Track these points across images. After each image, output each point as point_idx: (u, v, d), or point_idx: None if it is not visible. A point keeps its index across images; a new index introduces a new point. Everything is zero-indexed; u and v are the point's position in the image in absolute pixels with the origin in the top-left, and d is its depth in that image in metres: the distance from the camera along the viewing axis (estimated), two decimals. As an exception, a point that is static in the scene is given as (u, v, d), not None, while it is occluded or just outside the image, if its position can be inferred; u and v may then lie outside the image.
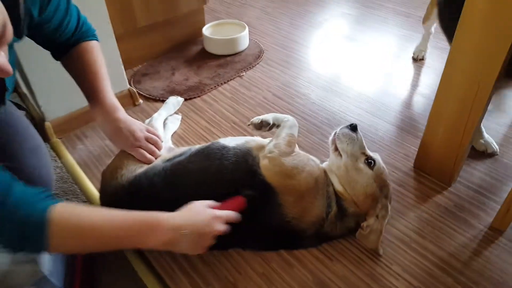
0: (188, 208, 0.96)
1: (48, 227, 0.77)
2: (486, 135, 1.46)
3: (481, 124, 1.44)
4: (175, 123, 1.61)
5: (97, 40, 1.18)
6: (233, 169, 1.08)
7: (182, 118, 1.66)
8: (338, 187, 1.12)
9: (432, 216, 1.22)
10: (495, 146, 1.44)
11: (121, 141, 1.16)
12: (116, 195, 1.10)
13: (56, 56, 1.14)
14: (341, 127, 1.19)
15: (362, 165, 1.11)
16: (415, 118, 1.64)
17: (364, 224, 1.10)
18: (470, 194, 1.29)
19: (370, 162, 1.11)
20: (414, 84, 1.84)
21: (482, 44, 1.03)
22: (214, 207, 0.98)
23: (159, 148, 1.21)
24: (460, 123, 1.18)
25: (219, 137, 1.55)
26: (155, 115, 1.50)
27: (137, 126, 1.18)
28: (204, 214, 0.94)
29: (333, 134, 1.20)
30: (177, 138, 1.56)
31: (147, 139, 1.19)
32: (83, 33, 1.13)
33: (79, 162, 1.45)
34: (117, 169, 1.14)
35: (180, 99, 1.68)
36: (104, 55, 1.59)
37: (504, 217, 1.15)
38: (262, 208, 1.06)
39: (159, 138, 1.22)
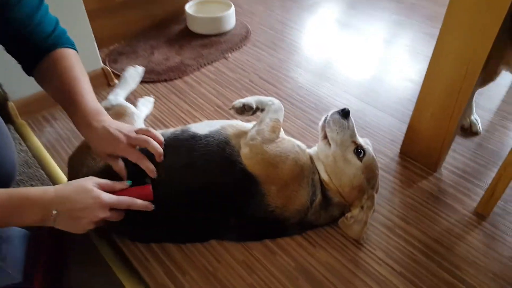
0: (73, 185, 0.86)
1: None
2: (475, 115, 1.46)
3: (473, 100, 1.43)
4: (147, 105, 1.53)
5: (76, 50, 1.05)
6: (206, 161, 1.01)
7: (162, 100, 1.60)
8: (324, 176, 1.07)
9: (416, 201, 1.21)
10: (480, 127, 1.44)
11: (110, 145, 0.95)
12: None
13: (28, 67, 1.00)
14: (332, 111, 1.12)
15: (351, 155, 1.06)
16: (403, 103, 1.61)
17: (348, 214, 1.06)
18: (455, 180, 1.28)
19: (360, 152, 1.06)
20: (404, 70, 1.81)
21: (472, 25, 1.00)
22: (108, 189, 0.89)
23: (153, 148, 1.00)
24: (448, 107, 1.16)
25: (201, 121, 1.51)
26: (110, 97, 1.34)
27: (126, 127, 0.99)
28: (86, 196, 0.85)
29: (323, 119, 1.14)
30: (156, 122, 1.50)
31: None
32: (60, 38, 1.02)
33: (46, 146, 1.38)
34: (87, 155, 1.08)
35: (140, 69, 1.52)
36: (74, 31, 1.51)
37: (488, 202, 1.13)
38: (244, 199, 1.02)
39: (155, 138, 1.00)
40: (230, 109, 1.22)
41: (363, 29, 2.14)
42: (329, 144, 1.09)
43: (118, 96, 1.39)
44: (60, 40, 1.02)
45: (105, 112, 0.98)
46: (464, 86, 1.09)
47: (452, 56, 1.08)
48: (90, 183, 0.87)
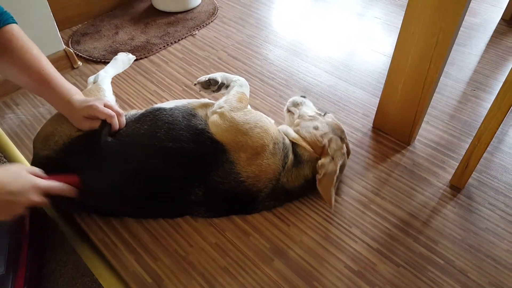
0: (7, 170, 0.84)
1: None
2: None
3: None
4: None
5: (16, 23, 0.99)
6: (170, 129, 0.98)
7: (128, 81, 1.52)
8: (293, 135, 1.10)
9: (391, 176, 1.19)
10: None
11: (89, 109, 0.99)
12: (48, 165, 0.98)
13: None
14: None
15: (315, 113, 1.16)
16: (375, 77, 1.58)
17: (319, 162, 1.04)
18: (429, 152, 1.26)
19: (321, 113, 1.17)
20: (376, 43, 1.77)
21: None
22: (39, 176, 0.89)
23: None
24: (419, 78, 1.13)
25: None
26: (101, 72, 1.30)
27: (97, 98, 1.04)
28: (22, 180, 0.84)
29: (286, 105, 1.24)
30: (122, 104, 1.43)
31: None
32: (2, 15, 0.95)
33: (8, 133, 1.30)
34: (50, 136, 1.01)
35: (132, 57, 1.49)
36: (33, 13, 1.41)
37: (462, 174, 1.12)
38: (212, 168, 0.97)
39: (119, 115, 1.02)
40: (195, 84, 1.20)
41: (335, 3, 2.08)
42: (293, 113, 1.19)
43: (108, 74, 1.31)
44: (2, 17, 0.93)
45: (75, 88, 1.03)
46: (435, 55, 1.05)
47: (422, 25, 1.04)
48: (23, 168, 0.87)
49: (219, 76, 1.16)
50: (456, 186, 1.15)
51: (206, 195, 1.00)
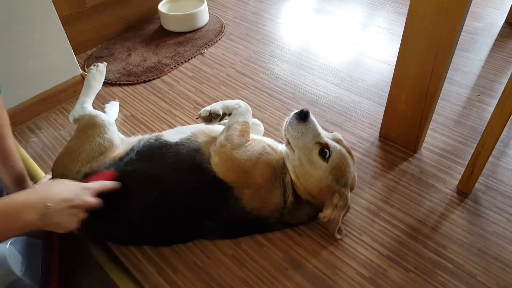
0: (52, 182, 0.92)
1: None
2: None
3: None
4: (113, 109, 1.52)
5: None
6: (176, 169, 1.02)
7: (142, 101, 1.59)
8: (293, 177, 1.05)
9: (399, 184, 1.22)
10: None
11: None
12: None
13: None
14: (291, 114, 1.09)
15: (316, 157, 1.02)
16: (380, 86, 1.62)
17: (321, 215, 1.05)
18: (436, 159, 1.30)
19: (325, 153, 1.02)
20: (380, 52, 1.81)
21: (439, 5, 1.01)
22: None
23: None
24: (422, 87, 1.17)
25: (182, 119, 1.50)
26: (77, 107, 1.31)
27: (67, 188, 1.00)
28: (70, 187, 0.89)
29: (284, 123, 1.10)
30: (138, 123, 1.50)
31: None
32: None
33: (33, 156, 1.38)
34: (69, 162, 1.08)
35: (101, 65, 1.43)
36: (49, 39, 1.49)
37: (469, 179, 1.15)
38: (218, 204, 1.02)
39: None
40: (197, 118, 1.17)
41: (338, 14, 2.14)
42: (293, 150, 1.06)
43: (85, 104, 1.33)
44: None
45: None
46: (436, 65, 1.10)
47: (422, 37, 1.08)
48: (63, 180, 0.92)
49: (219, 108, 1.16)
50: (463, 191, 1.18)
51: (217, 226, 1.05)
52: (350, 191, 1.07)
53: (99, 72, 1.42)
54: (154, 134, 1.13)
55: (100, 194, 0.94)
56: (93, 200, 0.91)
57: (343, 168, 1.03)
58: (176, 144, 1.06)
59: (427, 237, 1.07)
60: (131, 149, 1.09)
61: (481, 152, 1.08)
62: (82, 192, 0.89)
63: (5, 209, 0.78)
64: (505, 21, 1.98)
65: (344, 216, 1.06)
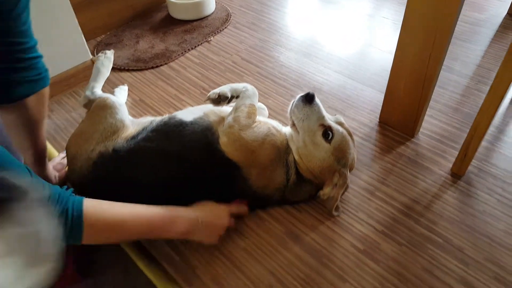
0: (204, 204, 1.05)
1: (84, 221, 0.81)
2: None
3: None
4: (122, 93, 1.58)
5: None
6: (192, 148, 1.08)
7: (150, 86, 1.65)
8: (296, 157, 1.11)
9: (395, 166, 1.28)
10: None
11: None
12: (83, 177, 1.10)
13: (13, 97, 1.00)
14: (298, 97, 1.14)
15: (319, 139, 1.08)
16: (383, 75, 1.67)
17: (321, 192, 1.11)
18: (432, 144, 1.35)
19: (328, 134, 1.08)
20: (384, 43, 1.86)
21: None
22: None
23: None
24: (420, 75, 1.22)
25: (189, 104, 1.56)
26: (87, 92, 1.37)
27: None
28: (214, 209, 1.05)
29: (290, 105, 1.16)
30: (146, 107, 1.56)
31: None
32: (47, 77, 1.05)
33: (46, 136, 1.44)
34: (82, 142, 1.14)
35: (109, 52, 1.51)
36: (62, 27, 1.56)
37: (462, 162, 1.21)
38: (227, 183, 1.08)
39: None
40: (206, 100, 1.23)
41: (344, 4, 2.18)
42: (298, 131, 1.12)
43: (95, 89, 1.39)
44: (47, 76, 1.05)
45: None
46: (433, 53, 1.15)
47: (420, 25, 1.13)
48: (212, 202, 1.07)
49: (228, 90, 1.21)
50: (457, 174, 1.24)
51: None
52: (350, 171, 1.13)
53: (108, 59, 1.49)
54: (167, 115, 1.18)
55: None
56: (231, 222, 1.07)
57: (344, 150, 1.10)
58: (191, 123, 1.11)
59: (420, 215, 1.13)
60: (143, 129, 1.15)
61: (474, 136, 1.14)
62: (227, 215, 1.06)
63: (171, 216, 0.97)
64: (507, 13, 2.01)
65: (342, 194, 1.12)
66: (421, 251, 1.05)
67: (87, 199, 0.85)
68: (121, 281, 1.05)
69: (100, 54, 1.49)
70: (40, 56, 1.00)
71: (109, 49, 1.51)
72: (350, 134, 1.14)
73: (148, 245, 1.10)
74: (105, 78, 1.48)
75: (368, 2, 2.21)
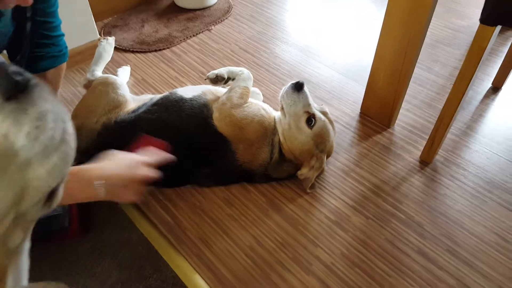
0: (106, 156, 0.95)
1: None
2: None
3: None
4: (125, 73, 1.70)
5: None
6: (189, 120, 1.20)
7: (152, 68, 1.78)
8: (281, 138, 1.24)
9: (370, 152, 1.42)
10: None
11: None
12: (88, 146, 1.22)
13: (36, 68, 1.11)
14: (289, 84, 1.26)
15: (303, 124, 1.20)
16: (366, 70, 1.79)
17: (298, 172, 1.25)
18: (405, 134, 1.49)
19: (311, 121, 1.20)
20: (373, 39, 1.99)
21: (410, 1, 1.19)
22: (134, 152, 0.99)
23: None
24: (396, 70, 1.36)
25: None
26: (88, 75, 1.48)
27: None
28: (124, 160, 0.93)
29: (282, 91, 1.28)
30: (148, 86, 1.69)
31: None
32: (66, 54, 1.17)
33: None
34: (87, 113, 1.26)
35: (111, 39, 1.62)
36: (74, 6, 1.68)
37: (429, 150, 1.35)
38: (216, 154, 1.22)
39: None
40: (205, 79, 1.36)
41: (341, 3, 2.31)
42: (285, 115, 1.24)
43: (95, 72, 1.50)
44: (66, 56, 1.17)
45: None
46: (408, 50, 1.28)
47: (398, 25, 1.27)
48: (120, 153, 0.96)
49: (225, 72, 1.35)
50: (425, 161, 1.38)
51: (213, 173, 1.24)
52: (327, 157, 1.27)
53: (109, 44, 1.62)
54: (168, 91, 1.31)
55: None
56: (149, 173, 0.94)
57: (324, 137, 1.23)
58: (190, 99, 1.24)
59: (388, 194, 1.28)
60: (144, 104, 1.28)
61: (440, 126, 1.28)
62: (138, 166, 0.92)
63: (80, 176, 0.86)
64: (489, 22, 2.15)
65: (318, 176, 1.26)
66: (386, 224, 1.19)
67: None
68: (117, 236, 1.18)
69: (102, 39, 1.62)
70: (63, 35, 1.13)
71: (115, 32, 1.64)
72: (332, 123, 1.28)
73: (144, 207, 1.24)
74: (106, 63, 1.60)
75: (367, 2, 2.34)
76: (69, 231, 1.15)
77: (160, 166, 1.00)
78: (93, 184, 0.86)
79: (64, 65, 1.19)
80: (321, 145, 1.23)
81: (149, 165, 0.96)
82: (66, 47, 1.17)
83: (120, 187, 0.91)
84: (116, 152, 0.96)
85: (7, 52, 1.09)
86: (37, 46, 1.08)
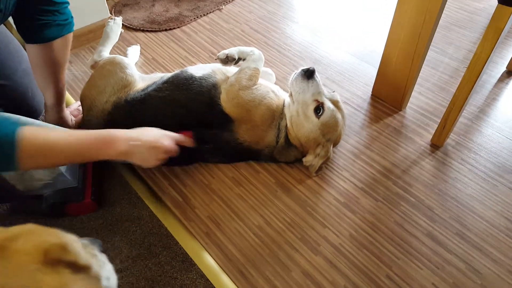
0: (142, 128, 1.07)
1: (17, 147, 0.81)
2: None
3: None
4: (134, 53, 1.69)
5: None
6: (197, 99, 1.20)
7: (162, 47, 1.77)
8: (288, 124, 1.23)
9: (381, 134, 1.41)
10: None
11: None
12: (99, 125, 1.24)
13: (42, 38, 1.13)
14: (299, 70, 1.24)
15: (311, 112, 1.19)
16: (378, 51, 1.76)
17: (304, 159, 1.24)
18: (417, 117, 1.48)
19: (319, 110, 1.18)
20: (386, 21, 1.96)
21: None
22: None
23: None
24: (409, 51, 1.33)
25: (198, 66, 1.68)
26: (95, 56, 1.49)
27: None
28: (155, 132, 1.07)
29: (291, 76, 1.26)
30: (157, 65, 1.68)
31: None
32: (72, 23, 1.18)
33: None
34: (95, 92, 1.27)
35: (118, 19, 1.62)
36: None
37: (441, 133, 1.34)
38: (218, 131, 1.21)
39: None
40: (215, 59, 1.34)
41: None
42: (294, 102, 1.23)
43: (102, 52, 1.50)
44: (72, 25, 1.18)
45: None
46: (423, 31, 1.26)
47: (412, 5, 1.24)
48: (153, 127, 1.08)
49: (235, 52, 1.32)
50: (436, 145, 1.37)
51: (216, 149, 1.24)
52: (334, 146, 1.27)
53: (116, 24, 1.61)
54: (179, 70, 1.30)
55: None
56: (172, 146, 1.08)
57: (331, 126, 1.21)
58: (200, 78, 1.23)
59: (398, 177, 1.27)
60: (153, 83, 1.27)
61: (452, 109, 1.26)
62: (164, 137, 1.06)
63: (108, 136, 0.97)
64: (506, 4, 2.09)
65: (323, 164, 1.25)
66: (395, 207, 1.19)
67: (29, 127, 0.85)
68: (129, 213, 1.19)
69: (109, 20, 1.61)
70: (67, 3, 1.13)
71: (125, 11, 1.63)
72: (342, 111, 1.25)
73: (154, 186, 1.25)
74: (113, 43, 1.59)
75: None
76: (84, 203, 1.16)
77: (180, 146, 1.11)
78: (128, 144, 0.98)
79: (70, 36, 1.19)
80: (327, 135, 1.21)
81: (174, 140, 1.09)
82: (72, 17, 1.17)
83: (149, 151, 1.03)
84: (147, 127, 1.08)
85: (13, 19, 1.10)
86: (42, 13, 1.08)
